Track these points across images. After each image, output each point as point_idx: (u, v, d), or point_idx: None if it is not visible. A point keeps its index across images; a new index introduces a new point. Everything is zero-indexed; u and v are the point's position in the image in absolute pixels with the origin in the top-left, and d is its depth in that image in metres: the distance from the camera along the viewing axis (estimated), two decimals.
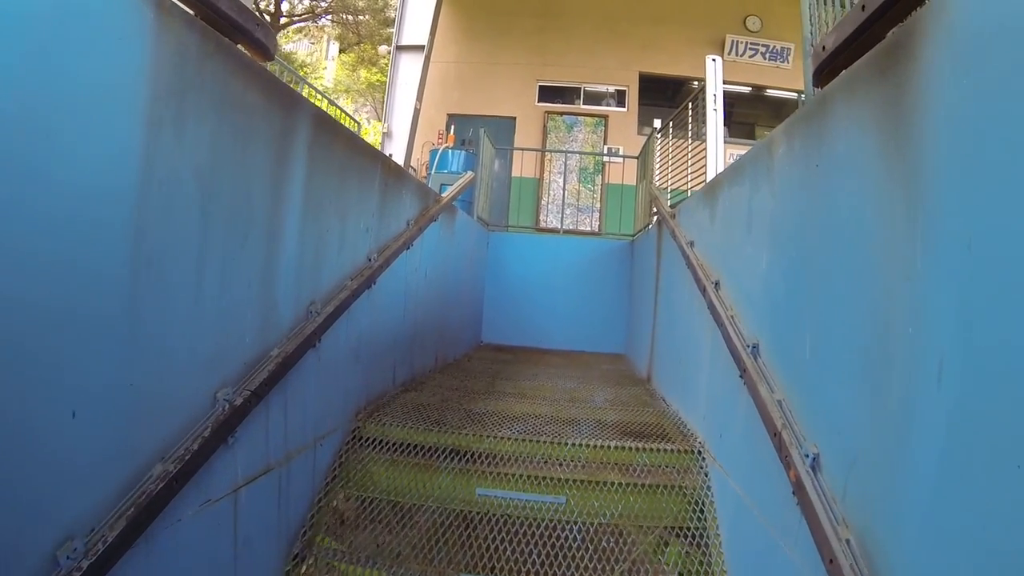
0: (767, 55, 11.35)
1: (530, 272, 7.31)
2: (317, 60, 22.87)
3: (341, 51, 24.09)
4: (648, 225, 6.32)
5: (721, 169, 4.41)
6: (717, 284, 3.01)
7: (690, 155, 5.26)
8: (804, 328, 1.96)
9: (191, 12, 1.76)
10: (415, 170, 10.15)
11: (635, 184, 7.72)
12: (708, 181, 3.34)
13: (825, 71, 1.78)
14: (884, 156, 1.46)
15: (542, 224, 10.68)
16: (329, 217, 2.74)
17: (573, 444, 3.17)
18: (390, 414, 3.48)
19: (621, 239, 7.41)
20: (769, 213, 2.32)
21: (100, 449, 1.54)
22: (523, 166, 9.61)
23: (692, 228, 3.75)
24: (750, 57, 11.26)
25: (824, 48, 1.72)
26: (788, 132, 2.12)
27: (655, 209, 5.75)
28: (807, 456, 1.82)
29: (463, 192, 5.54)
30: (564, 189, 9.05)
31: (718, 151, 4.39)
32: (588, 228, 10.93)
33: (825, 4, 3.07)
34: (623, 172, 8.44)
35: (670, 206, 5.49)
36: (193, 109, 1.76)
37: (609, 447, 3.16)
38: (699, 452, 3.13)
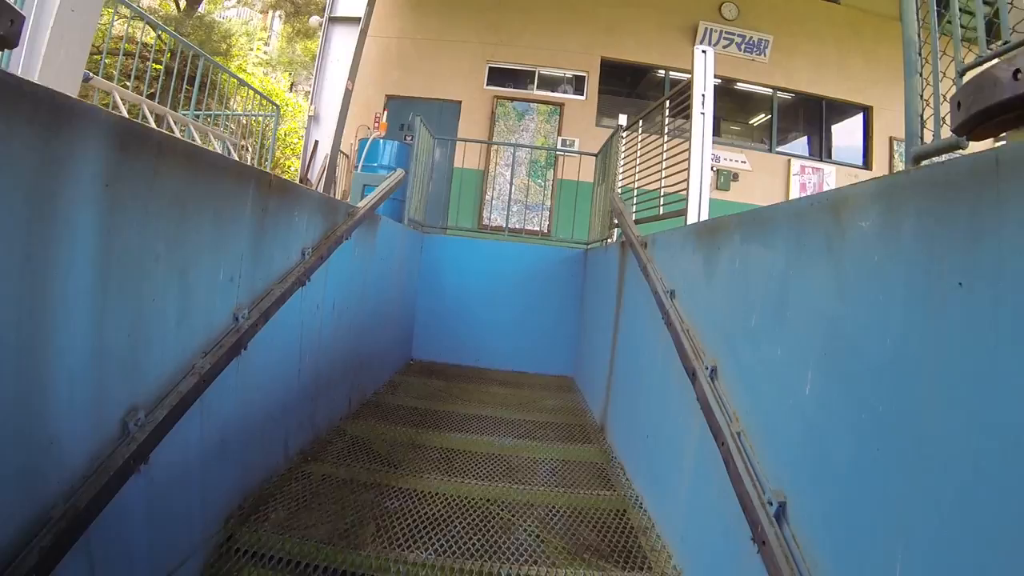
0: (743, 46, 10.56)
1: (469, 281, 6.40)
2: (255, 31, 20.91)
3: (285, 23, 22.36)
4: (607, 239, 5.51)
5: (707, 180, 3.60)
6: (714, 371, 2.20)
7: (664, 155, 4.40)
8: (893, 538, 1.16)
9: None
10: (347, 156, 9.01)
11: (592, 183, 6.89)
12: (707, 220, 2.50)
13: (1009, 113, 0.95)
14: None
15: (485, 222, 9.73)
16: (157, 278, 1.80)
17: None
18: (271, 515, 2.60)
19: (574, 247, 6.57)
20: (826, 312, 1.50)
21: None
22: (466, 156, 8.61)
23: (675, 272, 2.92)
24: (724, 47, 10.41)
25: (1020, 73, 0.90)
26: (886, 200, 1.29)
27: (617, 221, 4.94)
28: None
29: (391, 193, 4.62)
30: (511, 184, 8.10)
31: (704, 161, 3.56)
32: (536, 228, 10.03)
33: None
34: (579, 167, 7.60)
35: (635, 219, 4.70)
36: None
37: None
38: None
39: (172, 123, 5.80)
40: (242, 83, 7.75)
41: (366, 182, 6.41)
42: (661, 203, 4.29)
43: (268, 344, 2.61)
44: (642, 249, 3.44)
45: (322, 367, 3.46)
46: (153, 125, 5.31)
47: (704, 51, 3.56)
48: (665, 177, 4.27)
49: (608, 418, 4.25)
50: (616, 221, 4.91)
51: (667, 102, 4.36)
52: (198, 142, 6.25)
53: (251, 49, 18.65)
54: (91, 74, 4.41)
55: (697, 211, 3.50)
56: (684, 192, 3.64)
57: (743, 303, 2.04)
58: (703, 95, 3.55)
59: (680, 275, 2.82)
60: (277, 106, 8.38)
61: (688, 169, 3.60)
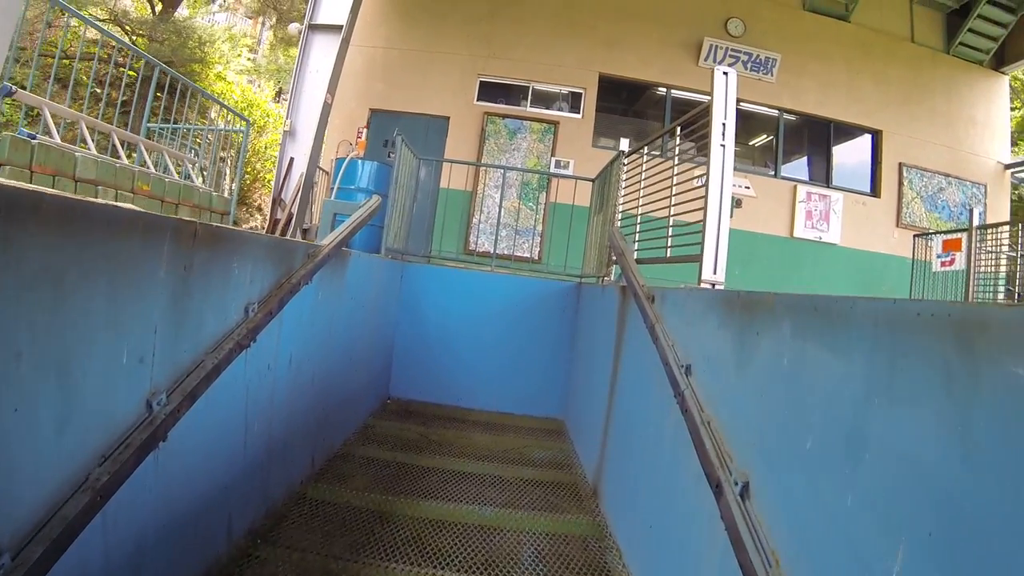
0: (749, 65, 10.11)
1: (452, 315, 5.88)
2: (238, 37, 20.28)
3: (269, 29, 21.84)
4: (603, 276, 5.05)
5: (726, 224, 3.12)
6: (745, 489, 1.74)
7: (674, 188, 3.94)
8: None
9: None
10: (327, 173, 8.46)
11: (588, 208, 6.43)
12: (742, 293, 2.04)
13: None
14: None
15: (472, 247, 9.19)
16: (20, 381, 1.33)
17: None
18: None
19: (566, 280, 6.08)
20: (938, 475, 1.05)
21: None
22: (452, 176, 8.16)
23: (691, 343, 2.47)
24: (730, 65, 9.89)
25: None
26: None
27: (614, 257, 4.50)
28: None
29: (365, 224, 4.14)
30: (501, 207, 7.60)
31: (724, 202, 3.09)
32: (527, 254, 9.50)
33: None
34: (575, 190, 7.14)
35: (637, 258, 4.25)
36: None
37: None
38: None
39: (117, 142, 5.24)
40: (206, 96, 7.23)
41: (337, 210, 5.83)
42: (669, 244, 3.80)
43: (200, 424, 2.14)
44: (648, 304, 2.98)
45: (276, 432, 2.98)
46: (92, 146, 4.75)
47: (725, 72, 3.07)
48: (674, 215, 3.81)
49: (602, 480, 3.79)
50: (615, 259, 4.46)
51: (677, 128, 3.91)
52: (149, 164, 5.69)
53: (237, 56, 18.08)
54: (14, 87, 3.90)
55: (714, 260, 3.03)
56: (699, 233, 3.18)
57: (792, 414, 1.59)
58: (723, 124, 3.06)
59: (699, 349, 2.36)
60: (249, 121, 7.82)
61: (705, 208, 3.11)
